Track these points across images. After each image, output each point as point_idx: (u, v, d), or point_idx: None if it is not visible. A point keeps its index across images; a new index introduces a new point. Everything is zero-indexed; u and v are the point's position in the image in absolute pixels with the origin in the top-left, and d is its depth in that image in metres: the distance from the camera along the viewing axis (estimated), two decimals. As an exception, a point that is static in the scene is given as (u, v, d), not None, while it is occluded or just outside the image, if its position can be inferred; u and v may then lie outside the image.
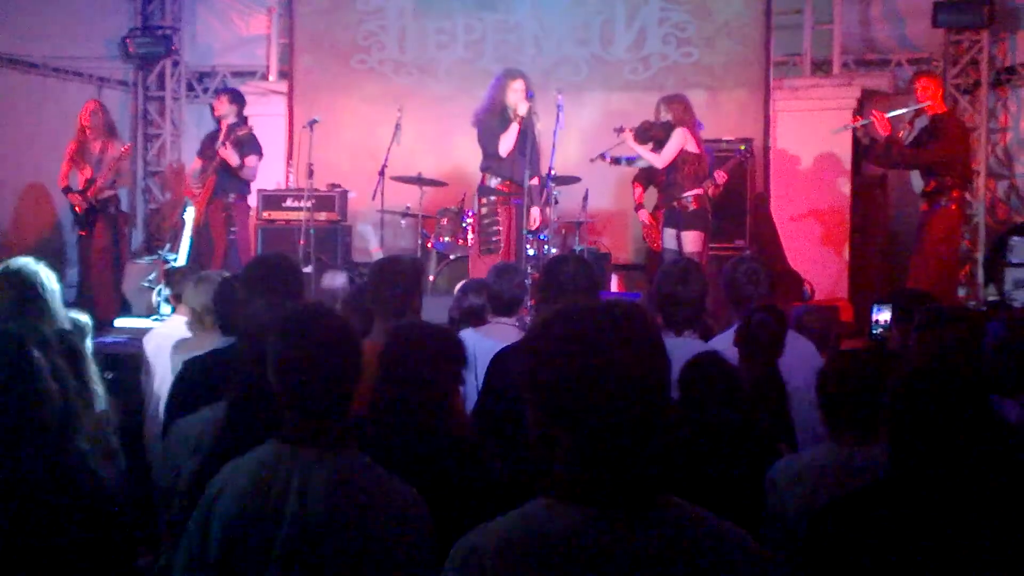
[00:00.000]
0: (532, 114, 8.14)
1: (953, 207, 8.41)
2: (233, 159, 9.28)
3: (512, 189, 8.23)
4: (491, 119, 8.16)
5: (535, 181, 8.30)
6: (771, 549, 3.10)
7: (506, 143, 8.07)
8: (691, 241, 8.11)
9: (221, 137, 9.49)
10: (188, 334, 5.42)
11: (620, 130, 8.46)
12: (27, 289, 4.27)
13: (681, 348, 4.03)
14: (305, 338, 2.65)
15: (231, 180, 9.49)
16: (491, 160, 8.19)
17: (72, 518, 2.74)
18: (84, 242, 9.72)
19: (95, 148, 9.53)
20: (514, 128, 8.04)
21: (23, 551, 2.63)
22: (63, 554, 2.68)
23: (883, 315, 4.52)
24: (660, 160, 8.19)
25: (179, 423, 3.56)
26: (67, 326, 4.21)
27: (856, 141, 10.02)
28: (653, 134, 8.31)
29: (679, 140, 8.15)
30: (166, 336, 5.70)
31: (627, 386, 1.81)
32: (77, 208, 9.50)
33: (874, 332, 4.53)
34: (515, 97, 8.06)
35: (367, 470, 2.59)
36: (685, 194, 8.13)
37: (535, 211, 8.23)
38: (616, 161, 8.84)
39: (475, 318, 5.39)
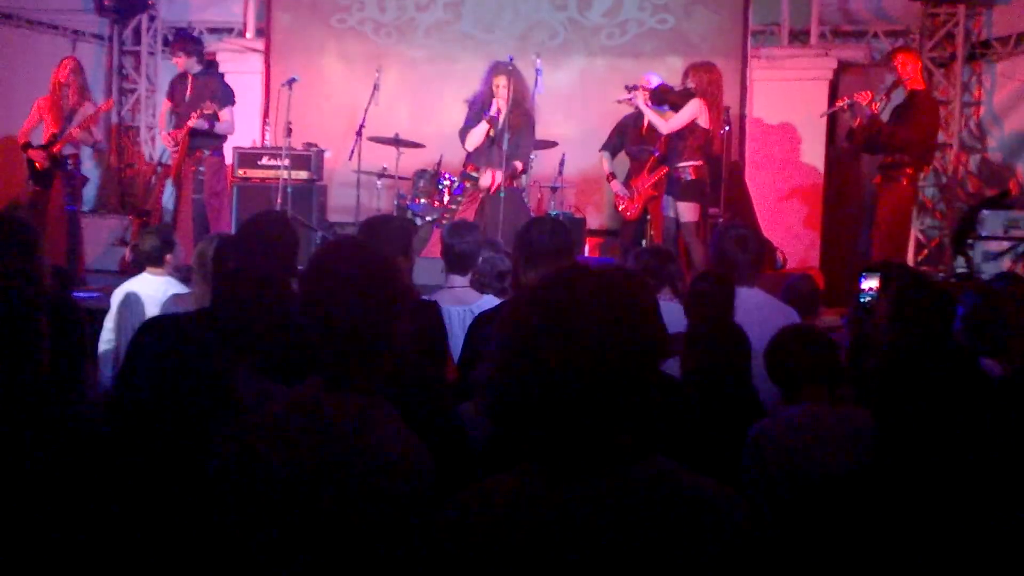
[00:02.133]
0: (519, 104, 8.17)
1: (904, 182, 8.42)
2: (203, 126, 9.07)
3: (481, 174, 8.44)
4: (477, 109, 8.31)
5: (518, 164, 8.39)
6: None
7: (471, 140, 8.34)
8: (686, 211, 8.10)
9: (188, 91, 9.25)
10: (167, 289, 5.44)
11: (633, 88, 8.40)
12: (25, 240, 4.25)
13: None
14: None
15: (204, 137, 9.26)
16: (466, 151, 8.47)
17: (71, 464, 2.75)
18: (40, 198, 9.31)
19: (68, 105, 9.23)
20: (483, 127, 8.23)
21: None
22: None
23: (871, 283, 4.57)
24: (666, 126, 8.09)
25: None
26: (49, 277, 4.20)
27: (832, 123, 10.04)
28: (671, 99, 8.17)
29: (692, 111, 7.98)
30: (136, 292, 5.72)
31: (579, 352, 1.79)
32: (38, 164, 9.16)
33: (862, 300, 4.59)
34: (496, 93, 8.20)
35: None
36: (681, 164, 8.07)
37: (497, 175, 8.24)
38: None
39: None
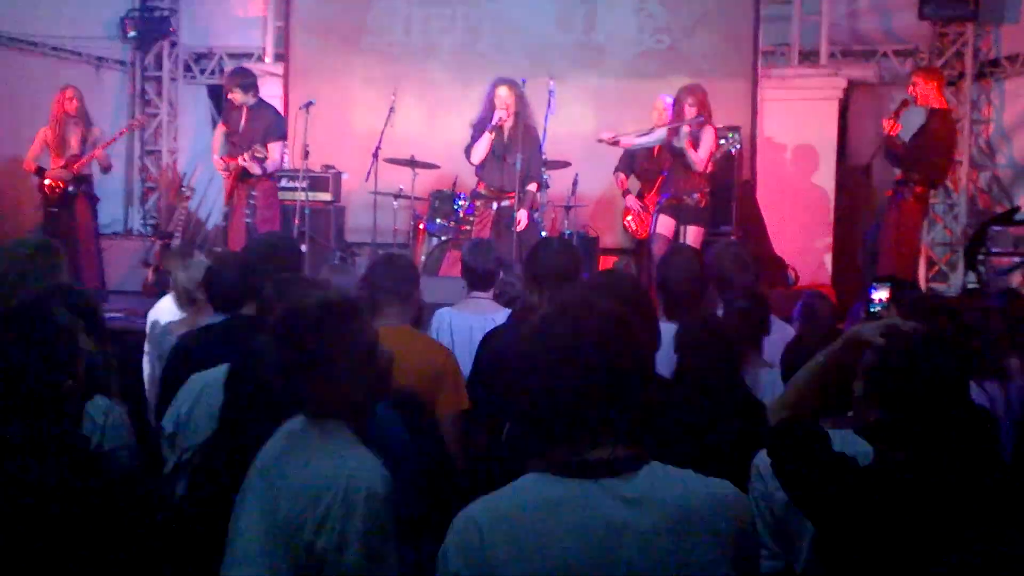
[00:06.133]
0: (523, 120, 8.30)
1: (911, 200, 8.41)
2: (255, 169, 8.95)
3: (491, 193, 8.55)
4: (480, 126, 8.42)
5: (533, 187, 8.51)
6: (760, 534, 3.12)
7: (476, 153, 8.42)
8: (692, 236, 8.23)
9: (243, 121, 9.08)
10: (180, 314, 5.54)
11: (613, 141, 8.58)
12: (55, 262, 4.48)
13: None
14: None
15: None
16: (473, 165, 8.55)
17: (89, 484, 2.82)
18: (61, 220, 9.46)
19: (75, 133, 9.46)
20: (486, 138, 8.32)
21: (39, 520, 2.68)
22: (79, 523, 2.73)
23: (881, 294, 4.66)
24: (700, 162, 8.16)
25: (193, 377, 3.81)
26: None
27: (841, 141, 10.08)
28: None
29: (711, 139, 8.21)
30: (166, 311, 5.85)
31: (579, 367, 2.05)
32: (58, 186, 9.38)
33: (872, 310, 4.68)
34: (498, 104, 8.30)
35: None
36: (690, 190, 8.23)
37: (521, 214, 8.37)
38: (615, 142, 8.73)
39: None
